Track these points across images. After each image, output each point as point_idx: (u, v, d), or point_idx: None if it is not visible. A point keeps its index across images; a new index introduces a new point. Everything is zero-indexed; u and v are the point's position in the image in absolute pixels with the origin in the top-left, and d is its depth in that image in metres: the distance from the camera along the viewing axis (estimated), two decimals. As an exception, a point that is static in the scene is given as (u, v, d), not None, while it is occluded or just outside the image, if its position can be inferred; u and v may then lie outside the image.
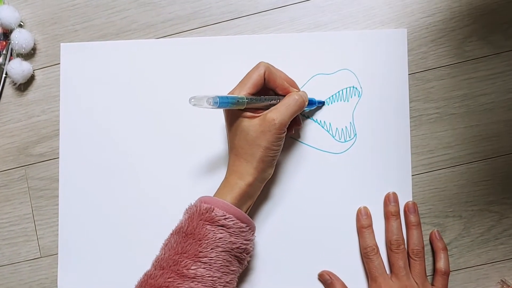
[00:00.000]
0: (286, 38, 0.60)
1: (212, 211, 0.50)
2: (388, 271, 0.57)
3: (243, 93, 0.51)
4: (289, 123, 0.52)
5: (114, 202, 0.61)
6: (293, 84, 0.56)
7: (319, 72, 0.60)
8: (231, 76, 0.59)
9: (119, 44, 0.62)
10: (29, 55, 0.62)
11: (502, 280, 0.59)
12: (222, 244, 0.50)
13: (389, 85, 0.59)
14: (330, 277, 0.58)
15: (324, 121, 0.59)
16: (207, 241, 0.49)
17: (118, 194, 0.61)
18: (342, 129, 0.59)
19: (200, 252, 0.49)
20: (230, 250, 0.50)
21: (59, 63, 0.62)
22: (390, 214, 0.58)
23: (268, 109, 0.53)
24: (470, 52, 0.59)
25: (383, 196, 0.59)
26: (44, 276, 0.62)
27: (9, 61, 0.62)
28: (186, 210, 0.53)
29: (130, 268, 0.59)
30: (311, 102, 0.57)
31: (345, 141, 0.59)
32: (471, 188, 0.59)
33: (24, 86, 0.62)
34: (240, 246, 0.51)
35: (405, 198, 0.59)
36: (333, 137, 0.59)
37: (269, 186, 0.59)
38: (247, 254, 0.53)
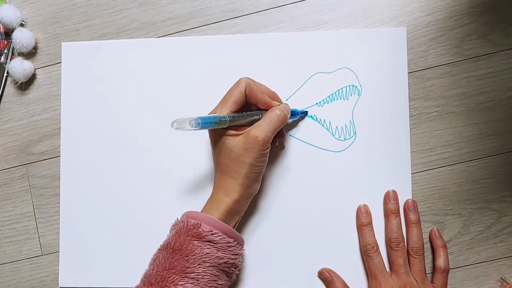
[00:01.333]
0: (286, 37, 0.60)
1: (199, 227, 0.50)
2: (388, 269, 0.57)
3: (225, 111, 0.52)
4: (272, 138, 0.52)
5: (115, 200, 0.61)
6: (275, 97, 0.56)
7: (318, 70, 0.60)
8: (231, 75, 0.59)
9: (120, 43, 0.62)
10: (30, 54, 0.63)
11: (501, 278, 0.59)
12: (209, 260, 0.50)
13: (388, 84, 0.59)
14: (330, 275, 0.58)
15: (324, 120, 0.60)
16: (194, 257, 0.49)
17: (119, 193, 0.61)
18: (341, 127, 0.60)
19: (187, 267, 0.49)
20: (217, 265, 0.51)
21: (60, 62, 0.63)
22: (390, 212, 0.58)
23: (251, 124, 0.53)
24: (469, 50, 0.59)
25: (383, 194, 0.59)
26: (45, 274, 0.62)
27: (10, 60, 0.62)
28: (173, 225, 0.54)
29: (131, 266, 0.59)
30: (293, 113, 0.57)
31: (345, 140, 0.59)
32: (471, 186, 0.59)
33: (25, 85, 0.63)
34: (227, 261, 0.51)
35: (404, 196, 0.59)
36: (333, 135, 0.60)
37: (269, 185, 0.59)
38: (235, 268, 0.53)
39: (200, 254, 0.50)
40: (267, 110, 0.54)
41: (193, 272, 0.49)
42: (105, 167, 0.61)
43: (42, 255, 0.62)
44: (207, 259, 0.50)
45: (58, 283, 0.61)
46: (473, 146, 0.59)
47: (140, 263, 0.53)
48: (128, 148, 0.61)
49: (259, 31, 0.61)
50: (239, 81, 0.53)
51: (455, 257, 0.59)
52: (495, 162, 0.59)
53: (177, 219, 0.54)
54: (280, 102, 0.57)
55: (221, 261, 0.51)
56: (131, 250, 0.60)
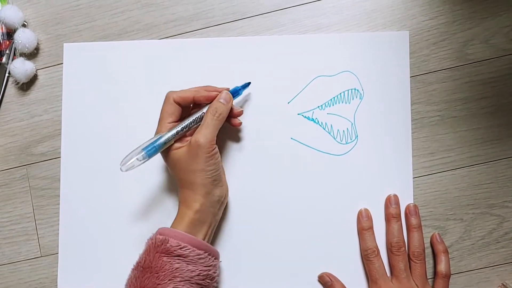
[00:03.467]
0: (288, 39, 0.60)
1: (167, 243, 0.50)
2: (388, 273, 0.57)
3: (165, 129, 0.53)
4: (215, 138, 0.52)
5: (115, 202, 0.61)
6: (207, 88, 0.56)
7: (320, 74, 0.60)
8: (233, 77, 0.59)
9: (122, 45, 0.62)
10: (32, 55, 0.63)
11: (503, 284, 0.59)
12: (180, 274, 0.49)
13: (390, 87, 0.59)
14: (330, 279, 0.57)
15: (325, 123, 0.59)
16: (164, 273, 0.49)
17: (119, 194, 0.61)
18: (343, 131, 0.59)
19: (158, 284, 0.49)
20: (189, 278, 0.50)
21: (62, 63, 0.63)
22: (391, 216, 0.58)
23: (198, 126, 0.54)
24: (471, 55, 0.59)
25: (384, 198, 0.59)
26: (44, 275, 0.62)
27: (12, 60, 0.62)
28: (146, 243, 0.53)
29: (130, 268, 0.59)
30: (235, 93, 0.56)
31: (346, 143, 0.59)
32: (472, 191, 0.59)
33: (26, 85, 0.63)
34: (200, 273, 0.51)
35: (406, 200, 0.59)
36: (334, 139, 0.59)
37: (269, 189, 0.59)
38: (211, 280, 0.53)
39: (170, 270, 0.49)
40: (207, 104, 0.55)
41: None
42: (106, 169, 0.61)
43: (41, 256, 0.62)
44: (178, 273, 0.49)
45: (57, 285, 0.61)
46: (475, 151, 0.59)
47: (140, 265, 0.52)
48: (129, 149, 0.61)
49: (261, 33, 0.61)
50: (166, 95, 0.55)
51: (456, 263, 0.59)
52: (497, 167, 0.59)
53: (151, 234, 0.53)
54: (216, 89, 0.55)
55: (193, 274, 0.50)
56: (130, 253, 0.60)
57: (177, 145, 0.53)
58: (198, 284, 0.51)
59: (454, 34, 0.60)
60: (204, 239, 0.53)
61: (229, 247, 0.59)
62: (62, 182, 0.62)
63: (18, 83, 0.62)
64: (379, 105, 0.59)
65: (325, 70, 0.60)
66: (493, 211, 0.59)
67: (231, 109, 0.55)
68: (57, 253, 0.61)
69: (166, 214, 0.60)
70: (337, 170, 0.59)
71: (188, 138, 0.53)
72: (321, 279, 0.58)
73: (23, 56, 0.62)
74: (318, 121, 0.60)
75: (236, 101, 0.58)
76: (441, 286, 0.56)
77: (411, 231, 0.57)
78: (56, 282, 0.61)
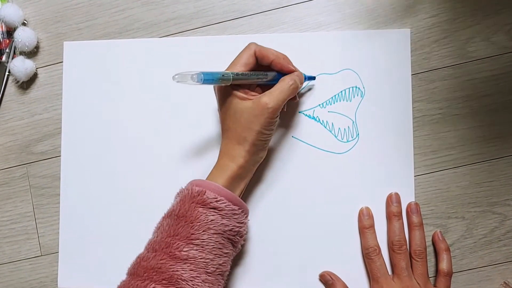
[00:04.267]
0: (289, 37, 0.60)
1: (204, 194, 0.50)
2: (390, 272, 0.57)
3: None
4: (282, 107, 0.52)
5: (115, 201, 0.61)
6: (286, 60, 0.55)
7: (322, 71, 0.60)
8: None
9: (122, 43, 0.62)
10: (32, 53, 0.63)
11: (505, 282, 0.58)
12: (214, 227, 0.49)
13: (392, 85, 0.59)
14: (331, 278, 0.57)
15: (327, 121, 0.59)
16: (199, 223, 0.49)
17: (119, 193, 0.61)
18: (344, 129, 0.59)
19: (192, 234, 0.49)
20: (222, 232, 0.50)
21: (62, 62, 0.62)
22: (392, 214, 0.57)
23: (257, 85, 0.54)
24: (473, 52, 0.59)
25: (385, 196, 0.58)
26: (44, 274, 0.61)
27: (12, 59, 0.62)
28: (178, 193, 0.53)
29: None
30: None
31: (348, 141, 0.59)
32: (474, 189, 0.59)
33: (27, 84, 0.62)
34: (232, 228, 0.51)
35: (407, 198, 0.58)
36: (336, 137, 0.59)
37: (270, 187, 0.59)
38: (240, 237, 0.53)
39: (205, 221, 0.49)
40: (277, 72, 0.54)
41: (198, 239, 0.49)
42: (106, 168, 0.61)
43: (42, 255, 0.62)
44: (212, 226, 0.49)
45: (57, 284, 0.61)
46: (477, 148, 0.59)
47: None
48: (129, 148, 0.61)
49: (262, 31, 0.61)
50: (249, 45, 0.53)
51: (458, 261, 0.58)
52: (499, 165, 0.59)
53: (182, 187, 0.53)
54: (291, 64, 0.55)
55: (226, 229, 0.50)
56: (131, 251, 0.59)
57: (241, 94, 0.52)
58: (229, 239, 0.51)
59: (455, 31, 0.59)
60: (239, 195, 0.53)
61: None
62: (62, 181, 0.61)
63: (18, 81, 0.62)
64: (380, 103, 0.59)
65: (326, 68, 0.60)
66: (495, 209, 0.58)
67: None
68: (58, 252, 0.61)
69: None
70: (338, 168, 0.59)
71: (254, 94, 0.53)
72: (322, 278, 0.58)
73: (23, 55, 0.62)
74: (319, 119, 0.59)
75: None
76: (443, 285, 0.56)
77: (413, 230, 0.57)
78: (57, 281, 0.61)
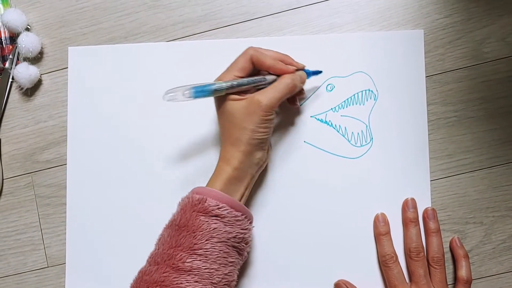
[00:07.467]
0: (300, 40, 0.59)
1: (205, 202, 0.49)
2: (407, 280, 0.55)
3: (228, 78, 0.51)
4: (277, 105, 0.51)
5: (123, 210, 0.59)
6: (286, 60, 0.54)
7: (334, 74, 0.58)
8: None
9: (128, 48, 0.60)
10: (36, 59, 0.61)
11: (525, 289, 0.57)
12: (217, 235, 0.48)
13: (406, 88, 0.58)
14: (347, 287, 0.56)
15: (340, 125, 0.58)
16: (201, 233, 0.48)
17: (127, 202, 0.59)
18: (358, 133, 0.58)
19: (195, 244, 0.48)
20: (226, 240, 0.49)
21: (67, 67, 0.61)
22: (408, 220, 0.56)
23: (258, 88, 0.52)
24: (488, 53, 0.58)
25: (401, 202, 0.57)
26: (51, 286, 0.60)
27: (15, 65, 0.60)
28: (179, 203, 0.52)
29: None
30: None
31: (361, 146, 0.58)
32: (492, 194, 0.58)
33: (31, 90, 0.61)
34: (236, 235, 0.50)
35: (423, 204, 0.57)
36: (349, 141, 0.58)
37: (283, 193, 0.58)
38: (245, 244, 0.52)
39: (207, 230, 0.48)
40: (277, 76, 0.53)
41: (201, 249, 0.47)
42: (113, 176, 0.60)
43: (48, 267, 0.60)
44: (215, 234, 0.48)
45: (64, 296, 0.59)
46: (494, 152, 0.58)
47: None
48: (136, 155, 0.60)
49: (271, 34, 0.60)
50: (246, 49, 0.52)
51: (476, 268, 0.57)
52: (517, 168, 0.57)
53: (183, 196, 0.52)
54: (293, 63, 0.54)
55: (230, 236, 0.49)
56: (141, 262, 0.58)
57: (235, 96, 0.51)
58: (233, 246, 0.50)
59: (470, 32, 0.58)
60: (240, 200, 0.52)
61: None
62: (69, 190, 0.60)
63: (22, 88, 0.61)
64: (394, 106, 0.58)
65: (338, 71, 0.58)
66: (513, 214, 0.57)
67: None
68: (65, 263, 0.60)
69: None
70: (352, 173, 0.58)
71: (249, 94, 0.52)
72: (337, 286, 0.57)
73: (27, 61, 0.61)
74: (331, 124, 0.58)
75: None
76: (463, 292, 0.55)
77: (430, 236, 0.56)
78: (64, 293, 0.60)
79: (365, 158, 0.58)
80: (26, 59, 0.61)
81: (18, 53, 0.61)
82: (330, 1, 0.59)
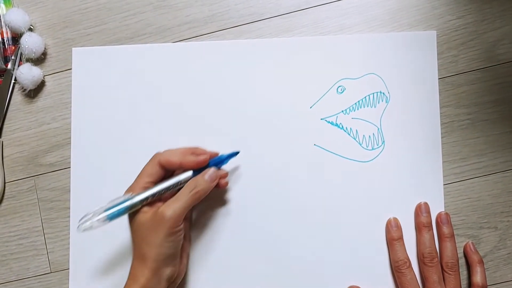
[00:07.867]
0: (310, 41, 0.58)
1: None
2: (421, 286, 0.54)
3: (139, 188, 0.49)
4: (183, 215, 0.48)
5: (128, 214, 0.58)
6: (197, 151, 0.52)
7: (344, 76, 0.57)
8: (251, 82, 0.57)
9: (134, 49, 0.59)
10: (39, 60, 0.60)
11: (540, 295, 0.56)
12: None
13: (418, 90, 0.57)
14: (359, 293, 0.55)
15: (351, 128, 0.57)
16: None
17: (133, 206, 0.58)
18: (369, 136, 0.57)
19: None
20: None
21: (71, 68, 0.60)
22: (422, 225, 0.55)
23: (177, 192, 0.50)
24: (502, 55, 0.57)
25: (414, 206, 0.56)
26: (54, 293, 0.59)
27: (18, 66, 0.59)
28: None
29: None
30: (219, 161, 0.53)
31: (373, 149, 0.57)
32: (507, 198, 0.56)
33: (34, 92, 0.60)
34: None
35: (437, 208, 0.56)
36: (360, 144, 0.57)
37: (293, 196, 0.57)
38: None
39: None
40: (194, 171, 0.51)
41: None
42: (118, 179, 0.58)
43: (51, 272, 0.59)
44: None
45: (68, 303, 0.58)
46: (508, 155, 0.56)
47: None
48: (142, 158, 0.58)
49: (280, 35, 0.58)
50: (153, 155, 0.51)
51: (491, 273, 0.56)
52: (532, 172, 0.56)
53: None
54: (205, 153, 0.52)
55: None
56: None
57: (146, 208, 0.49)
58: None
59: (483, 33, 0.57)
60: None
61: (252, 258, 0.56)
62: (72, 194, 0.59)
63: (24, 90, 0.59)
64: (406, 108, 0.57)
65: (348, 72, 0.57)
66: (528, 218, 0.56)
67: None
68: (68, 268, 0.58)
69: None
70: (363, 177, 0.56)
71: (160, 204, 0.49)
72: (349, 292, 0.55)
73: (29, 62, 0.59)
74: (342, 126, 0.57)
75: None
76: (478, 299, 0.53)
77: (444, 241, 0.55)
78: (67, 300, 0.58)
79: (376, 161, 0.57)
80: (29, 60, 0.59)
81: (21, 53, 0.60)
82: (340, 2, 0.58)
